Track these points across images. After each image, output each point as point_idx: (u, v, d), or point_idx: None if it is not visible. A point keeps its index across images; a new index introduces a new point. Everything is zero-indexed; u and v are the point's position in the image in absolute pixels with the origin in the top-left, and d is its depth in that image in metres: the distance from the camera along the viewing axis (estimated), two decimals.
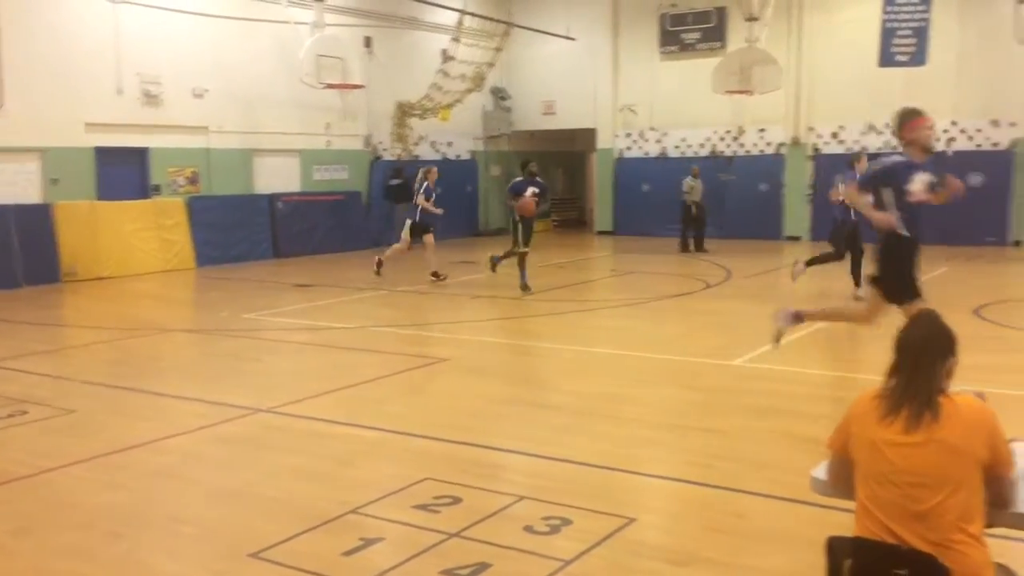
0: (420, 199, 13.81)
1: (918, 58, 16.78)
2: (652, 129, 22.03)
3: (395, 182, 18.97)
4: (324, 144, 19.09)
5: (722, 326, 10.30)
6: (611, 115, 22.43)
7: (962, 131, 18.47)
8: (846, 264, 11.73)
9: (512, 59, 22.79)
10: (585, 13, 22.10)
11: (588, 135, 23.27)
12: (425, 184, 13.81)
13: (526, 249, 12.79)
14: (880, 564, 2.49)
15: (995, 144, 18.20)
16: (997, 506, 2.70)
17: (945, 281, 13.34)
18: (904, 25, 16.82)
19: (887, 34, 16.89)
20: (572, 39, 22.00)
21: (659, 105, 21.65)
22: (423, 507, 4.61)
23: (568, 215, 26.10)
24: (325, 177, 19.35)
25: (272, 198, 17.88)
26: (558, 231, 24.61)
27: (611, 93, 22.36)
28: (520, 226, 12.73)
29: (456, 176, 21.32)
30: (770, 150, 20.72)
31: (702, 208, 18.29)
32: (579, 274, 16.01)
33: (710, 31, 20.99)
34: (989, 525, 2.82)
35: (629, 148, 22.49)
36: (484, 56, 21.08)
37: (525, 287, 12.58)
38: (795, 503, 4.55)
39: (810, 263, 12.08)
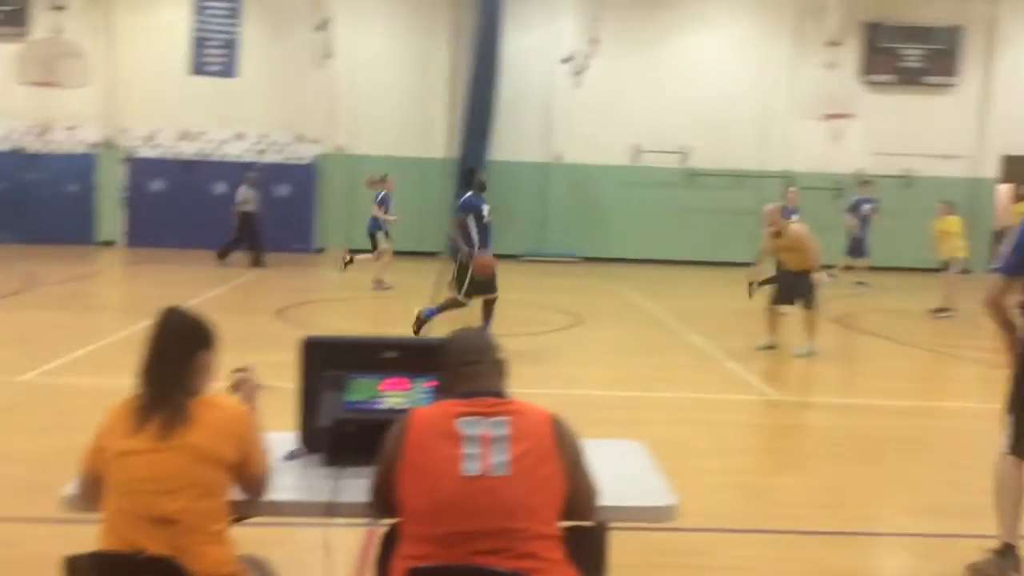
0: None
1: (229, 70, 17.34)
2: None
3: None
4: None
5: (15, 340, 9.28)
6: None
7: (272, 144, 19.64)
8: None
9: None
10: None
11: None
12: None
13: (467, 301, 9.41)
14: (119, 574, 2.36)
15: (300, 158, 19.73)
16: (252, 497, 2.76)
17: (253, 286, 13.99)
18: (215, 36, 17.23)
19: (198, 43, 17.12)
20: None
21: None
22: None
23: None
24: None
25: None
26: None
27: None
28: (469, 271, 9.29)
29: None
30: (81, 149, 19.51)
31: (255, 218, 16.52)
32: None
33: (11, 15, 18.93)
34: (244, 517, 2.89)
35: None
36: None
37: (423, 322, 9.40)
38: (38, 523, 4.22)
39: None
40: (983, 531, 4.36)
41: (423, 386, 3.11)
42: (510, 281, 15.15)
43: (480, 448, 2.45)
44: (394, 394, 3.12)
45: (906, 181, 19.90)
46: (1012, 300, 4.09)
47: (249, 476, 2.69)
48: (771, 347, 9.72)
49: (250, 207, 16.48)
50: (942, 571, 4.28)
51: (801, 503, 5.19)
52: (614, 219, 19.85)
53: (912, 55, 19.97)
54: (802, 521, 4.86)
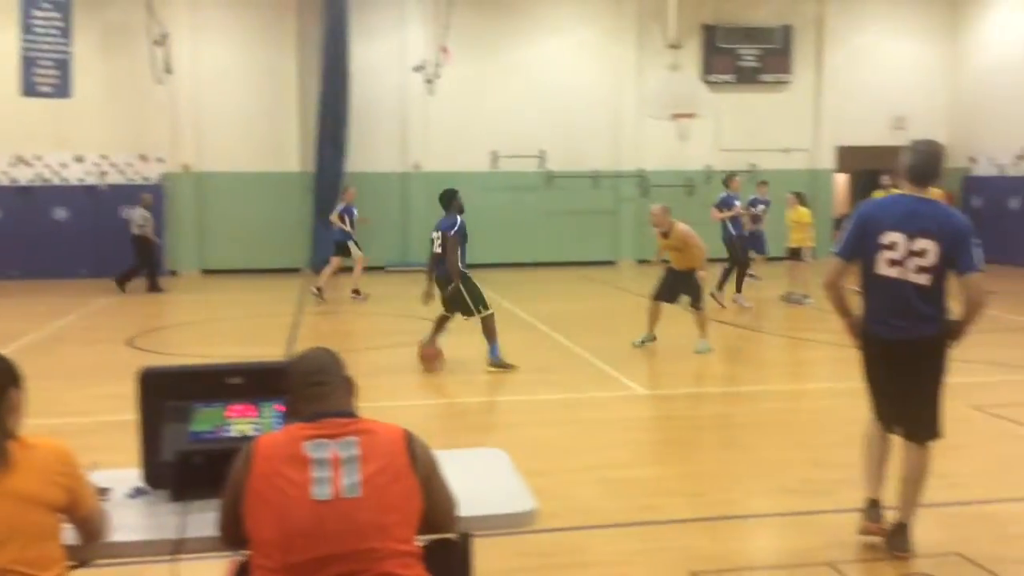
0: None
1: (63, 90, 16.44)
2: None
3: None
4: None
5: None
6: None
7: (113, 165, 18.74)
8: None
9: None
10: None
11: None
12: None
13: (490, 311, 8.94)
14: None
15: (146, 178, 18.90)
16: (90, 539, 2.59)
17: (102, 314, 13.30)
18: (45, 56, 16.30)
19: (28, 63, 16.14)
20: None
21: None
22: None
23: None
24: None
25: None
26: None
27: None
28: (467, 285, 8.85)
29: None
30: None
31: (151, 243, 15.96)
32: None
33: None
34: (85, 561, 2.71)
35: None
36: None
37: (500, 364, 8.87)
38: None
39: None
40: (844, 505, 4.56)
41: (273, 410, 3.00)
42: (375, 293, 15.03)
43: (330, 471, 2.38)
44: (241, 421, 3.00)
45: (751, 175, 20.78)
46: (850, 282, 4.31)
47: (81, 517, 2.52)
48: (650, 340, 9.86)
49: (148, 231, 15.90)
50: (805, 547, 4.44)
51: (669, 493, 5.30)
52: (476, 225, 19.50)
53: (749, 55, 20.88)
54: (670, 511, 4.96)
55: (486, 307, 8.83)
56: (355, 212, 14.65)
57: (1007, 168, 19.73)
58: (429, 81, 18.49)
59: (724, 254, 13.45)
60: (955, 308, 4.21)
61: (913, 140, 4.38)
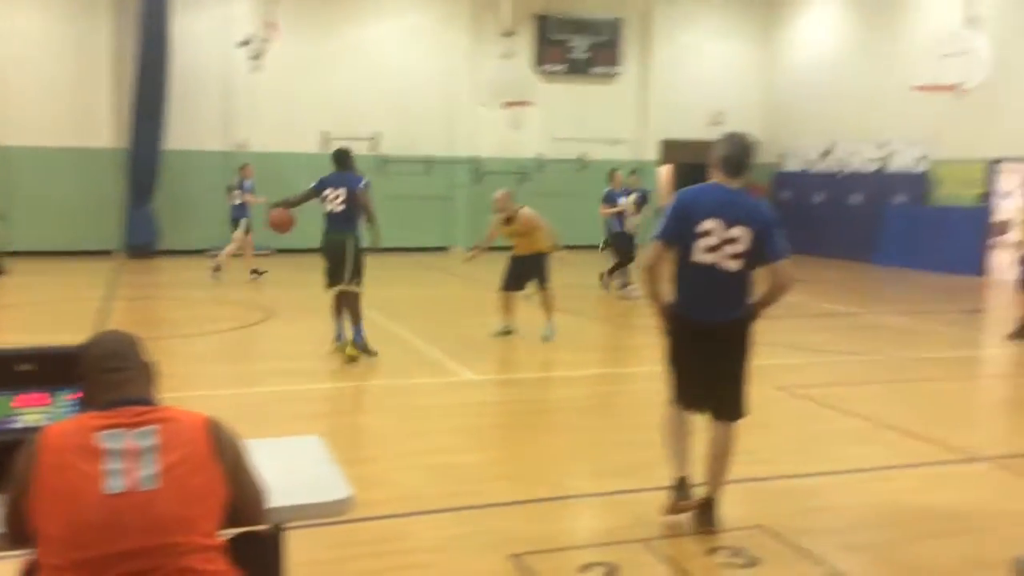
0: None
1: None
2: None
3: None
4: None
5: None
6: None
7: None
8: None
9: None
10: None
11: None
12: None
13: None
14: None
15: None
16: None
17: None
18: None
19: None
20: None
21: None
22: None
23: None
24: None
25: None
26: None
27: None
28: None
29: None
30: None
31: None
32: None
33: None
34: None
35: None
36: None
37: (364, 348, 8.45)
38: None
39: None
40: (657, 484, 4.72)
41: (66, 399, 2.78)
42: (197, 278, 14.38)
43: (125, 463, 2.22)
44: (31, 411, 2.77)
45: (580, 164, 21.28)
46: (666, 268, 4.46)
47: None
48: (507, 332, 9.79)
49: None
50: (620, 525, 4.58)
51: (492, 477, 5.34)
52: (305, 208, 19.33)
53: (579, 46, 21.36)
54: (493, 495, 4.99)
55: (359, 284, 8.54)
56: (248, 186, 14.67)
57: (814, 164, 21.10)
58: (256, 57, 17.85)
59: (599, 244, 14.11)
60: (759, 292, 4.44)
61: (726, 132, 4.56)
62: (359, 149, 19.78)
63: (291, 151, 19.18)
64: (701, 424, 4.58)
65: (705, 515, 4.46)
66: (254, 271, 14.51)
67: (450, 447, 5.96)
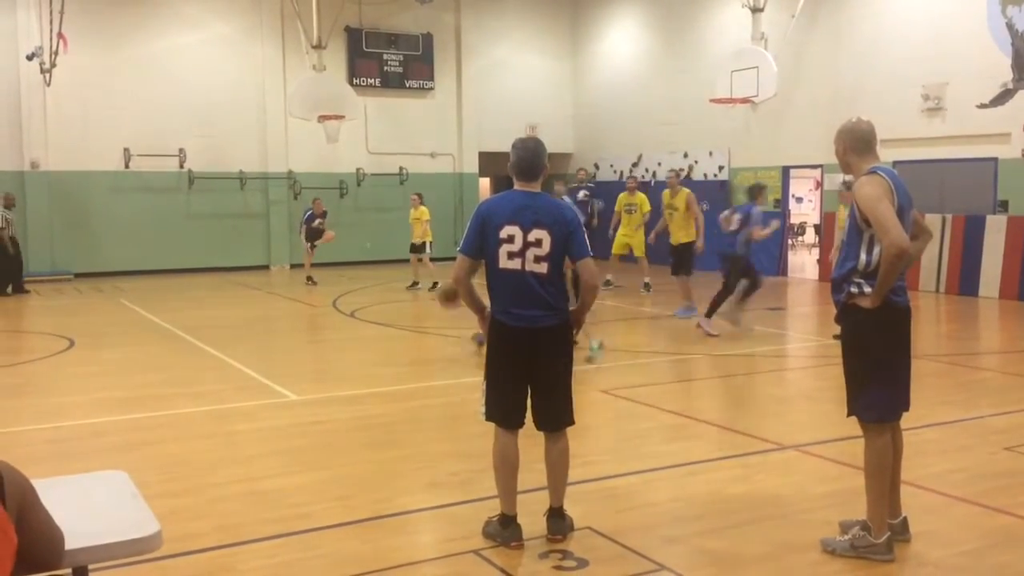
0: None
1: None
2: None
3: None
4: None
5: None
6: None
7: None
8: None
9: None
10: None
11: None
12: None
13: None
14: None
15: None
16: None
17: None
18: None
19: None
20: None
21: None
22: None
23: None
24: None
25: None
26: None
27: None
28: None
29: None
30: None
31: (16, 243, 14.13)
32: None
33: None
34: None
35: None
36: None
37: None
38: None
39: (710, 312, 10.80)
40: (486, 494, 4.71)
41: None
42: None
43: None
44: None
45: (401, 178, 21.20)
46: (474, 278, 4.47)
47: None
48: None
49: (11, 231, 14.98)
50: (452, 537, 4.54)
51: (320, 499, 5.17)
52: (107, 230, 18.34)
53: (393, 60, 21.29)
54: (320, 517, 4.84)
55: None
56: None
57: (625, 173, 21.93)
58: (45, 71, 16.72)
59: None
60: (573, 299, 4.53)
61: (516, 139, 4.62)
62: (165, 166, 19.05)
63: (90, 170, 18.07)
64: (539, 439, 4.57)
65: (556, 525, 4.48)
66: (309, 278, 16.29)
67: (274, 471, 5.74)
